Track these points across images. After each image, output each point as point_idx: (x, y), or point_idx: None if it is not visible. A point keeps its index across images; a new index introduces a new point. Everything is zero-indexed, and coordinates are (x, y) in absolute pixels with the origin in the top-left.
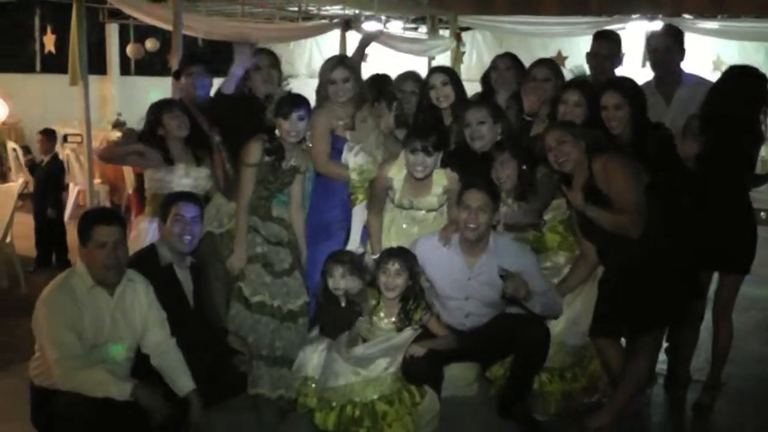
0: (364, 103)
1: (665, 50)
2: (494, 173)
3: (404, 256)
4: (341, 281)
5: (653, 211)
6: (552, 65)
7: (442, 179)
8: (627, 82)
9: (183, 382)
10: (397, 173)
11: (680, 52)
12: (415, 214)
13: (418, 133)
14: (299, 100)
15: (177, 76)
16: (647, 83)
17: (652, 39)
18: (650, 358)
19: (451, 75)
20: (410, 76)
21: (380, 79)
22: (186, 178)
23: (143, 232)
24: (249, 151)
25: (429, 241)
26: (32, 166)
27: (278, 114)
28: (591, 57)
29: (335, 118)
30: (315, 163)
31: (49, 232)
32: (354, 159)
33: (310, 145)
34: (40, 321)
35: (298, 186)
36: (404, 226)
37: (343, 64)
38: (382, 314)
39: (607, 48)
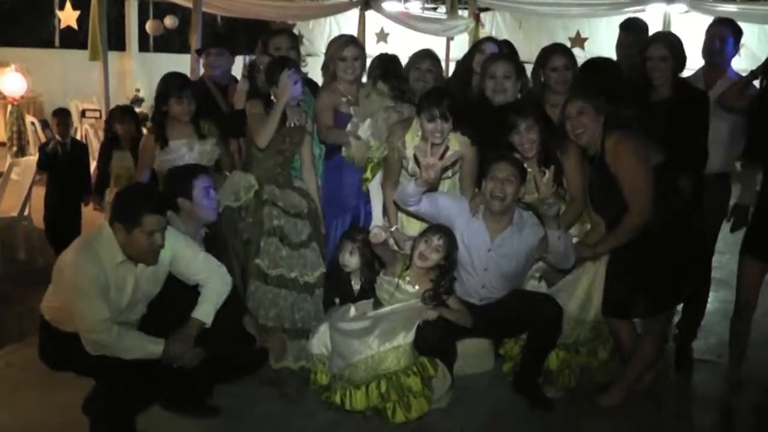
0: (370, 78)
1: (722, 40)
2: (517, 138)
3: (450, 238)
4: (350, 259)
5: (661, 189)
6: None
7: (454, 144)
8: (674, 38)
9: (202, 302)
10: (410, 141)
11: (734, 46)
12: None
13: (432, 100)
14: (287, 62)
15: (200, 53)
16: (697, 72)
17: (712, 26)
18: (659, 337)
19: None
20: (428, 54)
21: (387, 60)
22: (191, 152)
23: None
24: (251, 105)
25: (465, 206)
26: (47, 153)
27: (272, 81)
28: (618, 47)
29: (339, 95)
30: (319, 131)
31: (67, 221)
32: (362, 136)
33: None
34: (67, 285)
35: (306, 147)
36: None
37: (354, 43)
38: (407, 279)
39: (632, 38)
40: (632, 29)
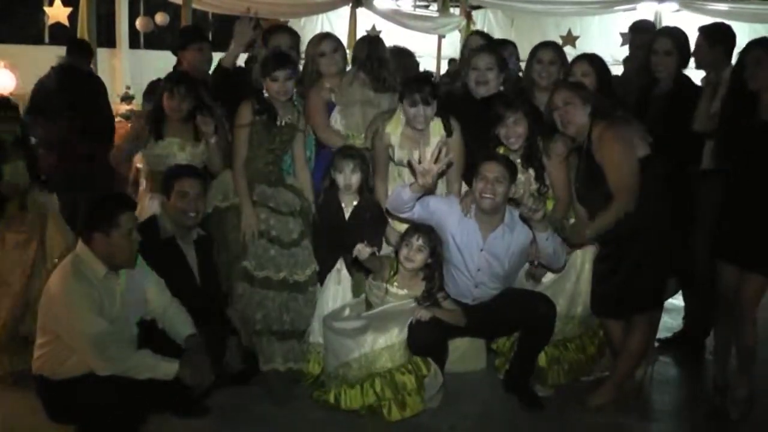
0: (354, 65)
1: (704, 47)
2: (503, 131)
3: (430, 234)
4: (353, 177)
5: (646, 184)
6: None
7: (439, 129)
8: (680, 33)
9: (181, 330)
10: (394, 129)
11: (714, 46)
12: None
13: (414, 85)
14: (285, 60)
15: (179, 49)
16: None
17: (698, 36)
18: (646, 333)
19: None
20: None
21: (371, 42)
22: (182, 152)
23: (146, 208)
24: (239, 113)
25: (455, 206)
26: None
27: (265, 74)
28: (630, 47)
29: (327, 91)
30: (315, 131)
31: None
32: (339, 125)
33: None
34: (61, 314)
35: (299, 144)
36: None
37: (330, 37)
38: (395, 284)
39: (639, 39)
40: (642, 30)
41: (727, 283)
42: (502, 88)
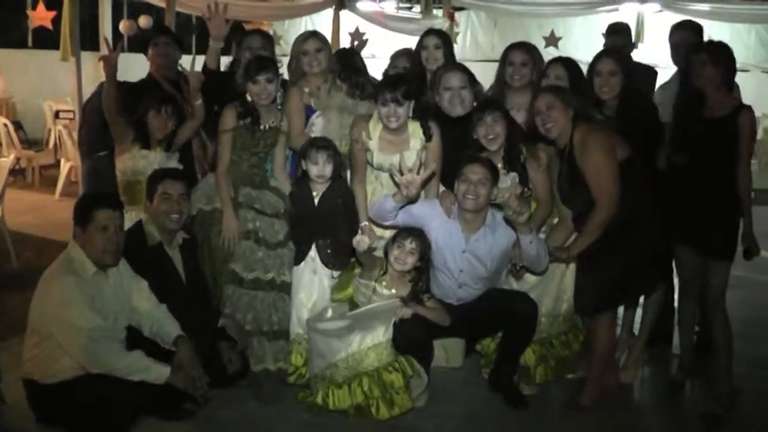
0: (331, 73)
1: (688, 47)
2: (482, 130)
3: (422, 238)
4: (326, 168)
5: (626, 185)
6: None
7: (418, 131)
8: (619, 54)
9: (170, 331)
10: (374, 130)
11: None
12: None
13: (387, 84)
14: (265, 63)
15: (146, 54)
16: (667, 82)
17: (674, 35)
18: (609, 327)
19: (444, 39)
20: (404, 53)
21: (345, 54)
22: (155, 164)
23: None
24: (223, 118)
25: (437, 208)
26: None
27: (246, 78)
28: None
29: (307, 96)
30: (290, 136)
31: None
32: (316, 131)
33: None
34: (55, 310)
35: (280, 146)
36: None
37: (315, 36)
38: (384, 283)
39: (620, 41)
40: (616, 32)
41: (686, 262)
42: (475, 104)
